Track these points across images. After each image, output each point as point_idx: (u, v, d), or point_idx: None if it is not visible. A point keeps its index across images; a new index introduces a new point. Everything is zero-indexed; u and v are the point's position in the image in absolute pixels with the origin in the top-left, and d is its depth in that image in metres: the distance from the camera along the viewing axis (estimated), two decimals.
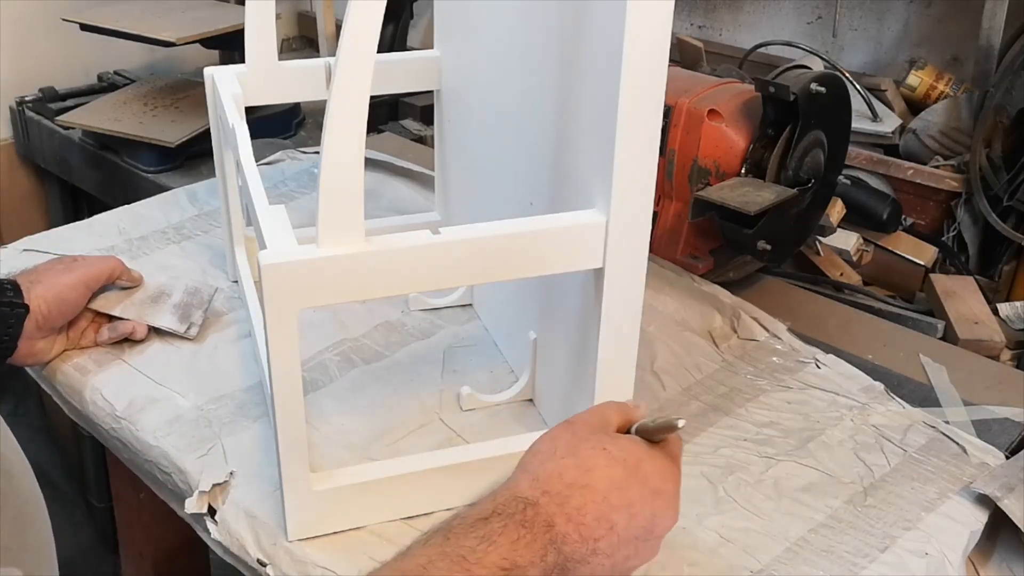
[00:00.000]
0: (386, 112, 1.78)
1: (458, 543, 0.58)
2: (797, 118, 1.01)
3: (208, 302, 1.01)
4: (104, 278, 0.95)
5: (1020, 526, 0.77)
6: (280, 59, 1.00)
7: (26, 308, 0.87)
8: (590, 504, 0.62)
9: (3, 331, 0.86)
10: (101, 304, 0.96)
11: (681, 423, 0.64)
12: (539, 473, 0.63)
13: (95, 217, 1.22)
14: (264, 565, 0.74)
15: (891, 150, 1.45)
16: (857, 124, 1.36)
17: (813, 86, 1.01)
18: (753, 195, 0.99)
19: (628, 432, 0.69)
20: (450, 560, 0.57)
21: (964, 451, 0.86)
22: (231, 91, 0.95)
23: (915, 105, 1.51)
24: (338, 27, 0.83)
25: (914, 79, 1.50)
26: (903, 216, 1.35)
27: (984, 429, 0.91)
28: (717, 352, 0.99)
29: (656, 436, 0.67)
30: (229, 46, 1.70)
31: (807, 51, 1.57)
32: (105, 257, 0.97)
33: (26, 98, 1.85)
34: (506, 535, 0.58)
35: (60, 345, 0.94)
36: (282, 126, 1.74)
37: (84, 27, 1.63)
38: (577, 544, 0.61)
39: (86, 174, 1.77)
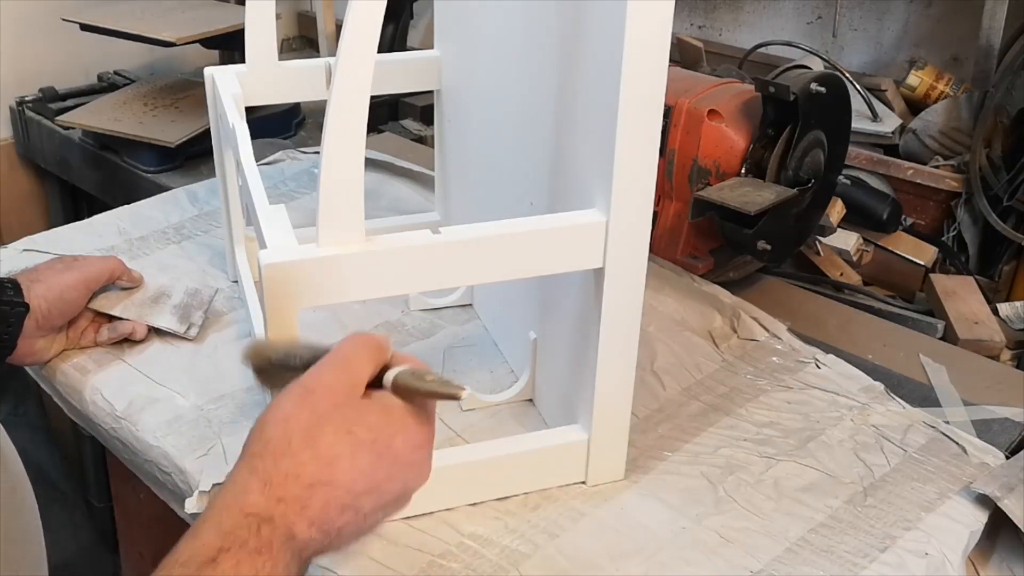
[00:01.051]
0: (386, 112, 1.78)
1: None
2: (797, 118, 1.01)
3: (208, 303, 1.01)
4: (104, 278, 0.95)
5: (1020, 526, 0.77)
6: (280, 59, 1.00)
7: (26, 307, 0.87)
8: (333, 500, 0.55)
9: (3, 330, 0.86)
10: (101, 304, 0.96)
11: (465, 394, 0.56)
12: (272, 475, 0.54)
13: (95, 217, 1.22)
14: None
15: (891, 150, 1.45)
16: (857, 124, 1.36)
17: (813, 86, 1.01)
18: (753, 195, 0.99)
19: (381, 377, 0.59)
20: None
21: (964, 451, 0.86)
22: (231, 91, 0.95)
23: (915, 105, 1.51)
24: (338, 27, 0.83)
25: (914, 79, 1.50)
26: (903, 216, 1.35)
27: (984, 429, 0.91)
28: (717, 352, 0.99)
29: (421, 399, 0.58)
30: (229, 46, 1.70)
31: (807, 51, 1.56)
32: (105, 257, 0.97)
33: (26, 98, 1.85)
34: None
35: (60, 344, 0.94)
36: (282, 126, 1.74)
37: (84, 27, 1.63)
38: (320, 541, 0.54)
39: (86, 174, 1.77)
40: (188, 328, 0.97)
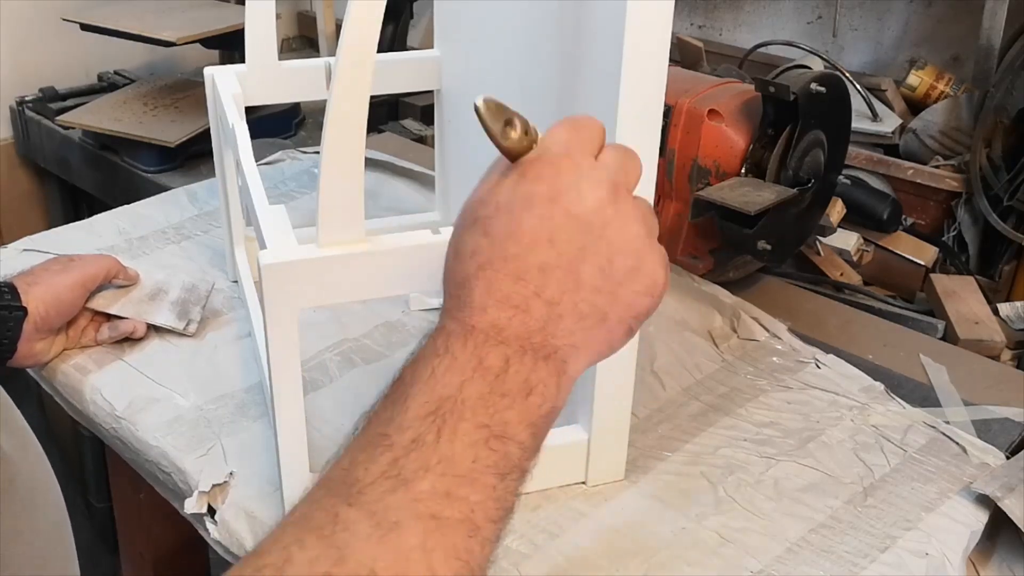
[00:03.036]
0: (386, 112, 1.78)
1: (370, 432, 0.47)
2: (797, 118, 1.00)
3: (206, 297, 1.00)
4: (101, 277, 0.95)
5: (1020, 526, 0.77)
6: (280, 59, 1.00)
7: (24, 310, 0.87)
8: (507, 271, 0.49)
9: (2, 334, 0.86)
10: (99, 303, 0.95)
11: None
12: (446, 305, 0.52)
13: (95, 217, 1.22)
14: None
15: (891, 150, 1.45)
16: (857, 124, 1.36)
17: (813, 86, 1.01)
18: (753, 195, 0.99)
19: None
20: (370, 444, 0.46)
21: (964, 451, 0.86)
22: (231, 91, 0.95)
23: (915, 105, 1.51)
24: (338, 27, 0.83)
25: (914, 79, 1.50)
26: (903, 216, 1.35)
27: (984, 429, 0.91)
28: (717, 352, 0.99)
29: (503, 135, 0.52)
30: (229, 46, 1.71)
31: (807, 51, 1.57)
32: (101, 256, 0.97)
33: (26, 98, 1.85)
34: (417, 386, 0.47)
35: (59, 345, 0.94)
36: (282, 126, 1.74)
37: (84, 27, 1.63)
38: (542, 316, 0.48)
39: (86, 174, 1.77)
40: (187, 324, 0.97)
